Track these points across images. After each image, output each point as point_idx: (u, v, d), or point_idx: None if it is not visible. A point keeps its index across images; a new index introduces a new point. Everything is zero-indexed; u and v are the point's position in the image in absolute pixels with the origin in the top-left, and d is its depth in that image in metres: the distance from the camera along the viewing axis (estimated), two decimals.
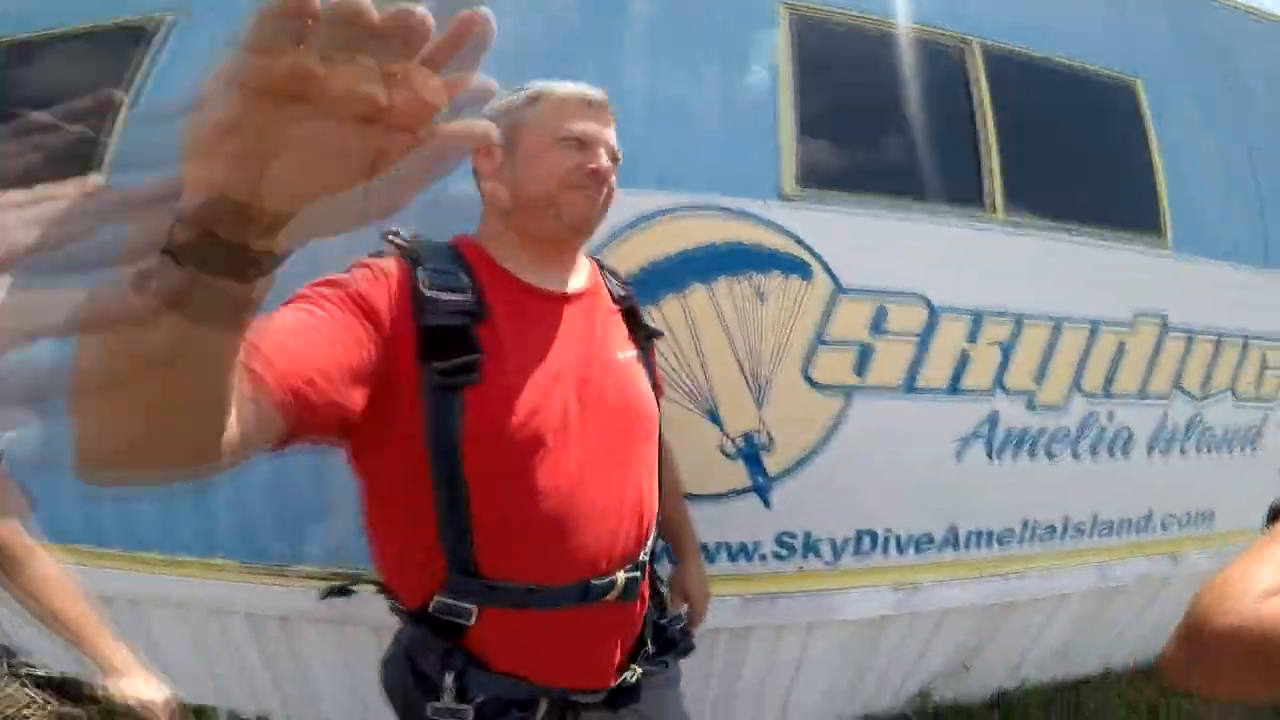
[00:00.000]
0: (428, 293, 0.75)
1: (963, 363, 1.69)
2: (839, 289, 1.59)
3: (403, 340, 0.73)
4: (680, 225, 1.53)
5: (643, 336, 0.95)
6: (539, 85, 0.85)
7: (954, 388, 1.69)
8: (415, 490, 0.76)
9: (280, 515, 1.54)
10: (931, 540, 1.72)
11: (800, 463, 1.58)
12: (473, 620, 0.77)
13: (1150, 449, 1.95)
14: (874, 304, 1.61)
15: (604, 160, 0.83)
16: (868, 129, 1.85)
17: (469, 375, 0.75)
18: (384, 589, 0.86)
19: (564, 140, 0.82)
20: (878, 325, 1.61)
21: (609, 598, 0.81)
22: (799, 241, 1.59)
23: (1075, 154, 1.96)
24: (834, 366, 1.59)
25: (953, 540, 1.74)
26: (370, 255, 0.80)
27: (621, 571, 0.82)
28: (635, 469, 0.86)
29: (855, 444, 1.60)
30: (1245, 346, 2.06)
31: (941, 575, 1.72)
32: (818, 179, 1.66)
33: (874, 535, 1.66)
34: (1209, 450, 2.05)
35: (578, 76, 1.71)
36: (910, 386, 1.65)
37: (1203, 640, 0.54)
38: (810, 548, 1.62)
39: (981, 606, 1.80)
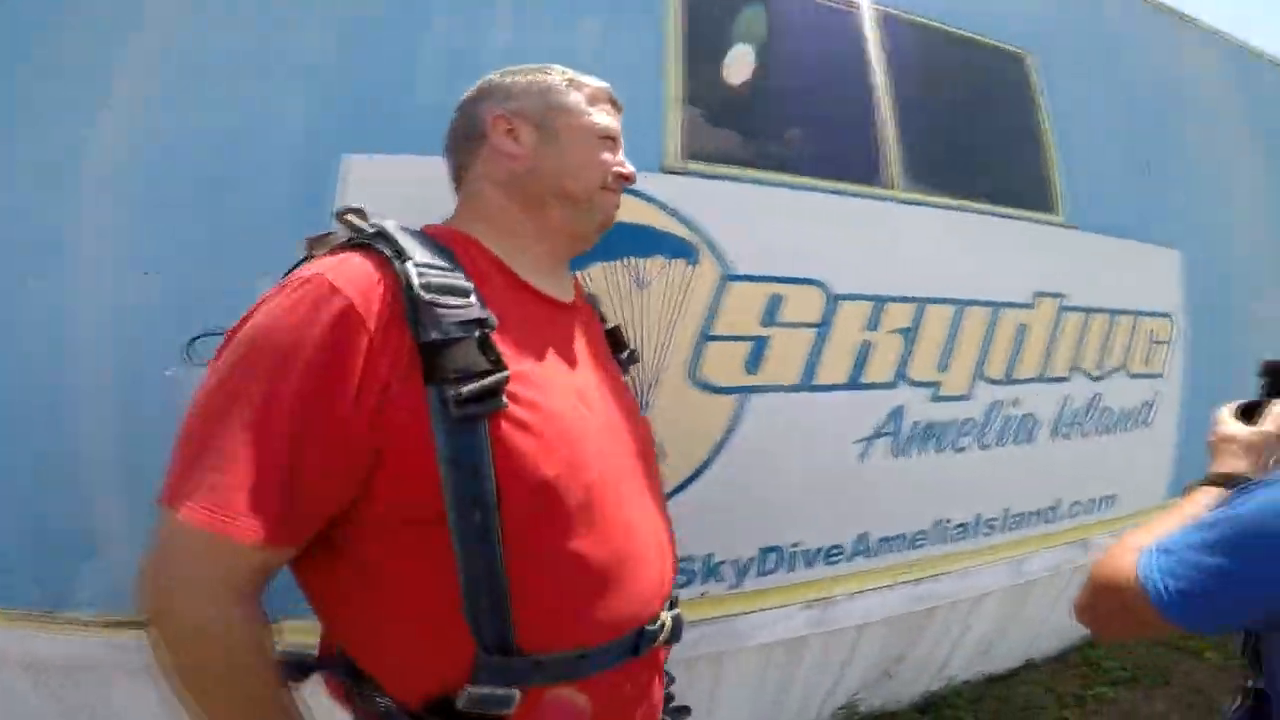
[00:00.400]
0: (425, 295, 0.59)
1: (864, 353, 1.54)
2: (728, 274, 1.40)
3: (391, 371, 0.58)
4: None
5: (625, 360, 0.88)
6: (565, 70, 0.78)
7: (855, 381, 1.54)
8: (423, 557, 0.61)
9: (40, 553, 1.18)
10: (841, 550, 1.57)
11: (694, 476, 1.38)
12: (513, 707, 0.62)
13: (1054, 433, 1.91)
14: (767, 290, 1.43)
15: (630, 165, 0.79)
16: (760, 98, 1.67)
17: (494, 401, 0.60)
18: (355, 680, 0.65)
19: (603, 137, 0.77)
20: (771, 314, 1.43)
21: (658, 643, 0.72)
22: (684, 220, 1.39)
23: (971, 127, 1.88)
24: (725, 363, 1.39)
25: (864, 548, 1.60)
26: (328, 248, 0.64)
27: (665, 610, 0.73)
28: (659, 496, 0.78)
29: (752, 450, 1.41)
30: (1135, 321, 2.07)
31: (854, 587, 1.58)
32: (705, 152, 1.46)
33: (779, 551, 1.49)
34: (1108, 430, 2.04)
35: (439, 28, 1.40)
36: (809, 383, 1.48)
37: (1092, 590, 0.67)
38: (711, 570, 1.42)
39: (898, 615, 1.68)
